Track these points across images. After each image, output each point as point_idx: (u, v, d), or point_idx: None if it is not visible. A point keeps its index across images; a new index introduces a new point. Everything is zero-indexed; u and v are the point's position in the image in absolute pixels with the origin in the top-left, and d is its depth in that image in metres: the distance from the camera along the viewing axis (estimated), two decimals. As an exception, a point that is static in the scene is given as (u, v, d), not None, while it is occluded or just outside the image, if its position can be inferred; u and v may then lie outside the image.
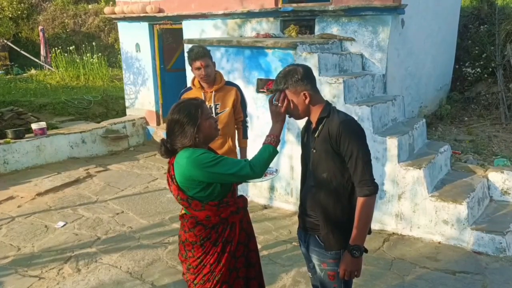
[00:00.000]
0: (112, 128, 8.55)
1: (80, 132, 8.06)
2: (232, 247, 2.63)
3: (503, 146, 6.31)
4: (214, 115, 3.97)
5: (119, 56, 13.28)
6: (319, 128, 2.55)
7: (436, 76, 7.51)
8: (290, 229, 5.22)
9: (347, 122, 2.51)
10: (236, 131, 4.38)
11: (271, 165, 2.78)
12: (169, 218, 5.58)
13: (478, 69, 8.02)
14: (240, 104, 4.28)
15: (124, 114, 9.61)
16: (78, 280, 4.27)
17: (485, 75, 7.99)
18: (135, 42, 8.91)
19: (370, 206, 2.47)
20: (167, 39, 8.88)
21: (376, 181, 2.51)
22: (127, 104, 9.51)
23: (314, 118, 2.59)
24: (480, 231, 4.64)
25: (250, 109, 5.83)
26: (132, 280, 4.26)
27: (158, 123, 9.02)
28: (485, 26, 8.25)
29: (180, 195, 2.56)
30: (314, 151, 2.58)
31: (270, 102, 2.62)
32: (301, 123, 5.34)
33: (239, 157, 4.42)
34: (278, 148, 5.31)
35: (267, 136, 2.58)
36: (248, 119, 4.48)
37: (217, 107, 4.13)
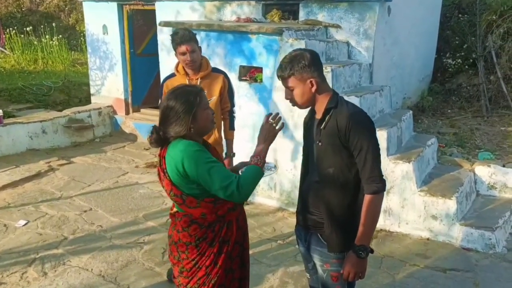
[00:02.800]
0: (76, 117, 7.96)
1: (40, 121, 7.45)
2: (229, 247, 2.46)
3: (486, 139, 6.31)
4: None
5: (81, 38, 12.63)
6: (326, 120, 2.38)
7: (418, 66, 7.46)
8: (274, 227, 5.00)
9: (357, 114, 2.39)
10: (222, 122, 4.08)
11: (268, 159, 2.59)
12: (143, 216, 5.21)
13: (459, 60, 8.01)
14: (227, 93, 3.98)
15: (88, 101, 9.03)
16: (45, 285, 3.92)
17: (466, 66, 8.02)
18: (102, 24, 8.29)
19: (378, 204, 2.36)
20: (138, 21, 8.33)
21: None
22: (92, 91, 8.91)
23: (320, 108, 2.43)
24: (469, 227, 4.57)
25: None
26: (106, 283, 3.95)
27: (127, 112, 8.49)
28: (466, 16, 8.22)
29: (173, 191, 2.37)
30: (320, 143, 2.42)
31: (266, 119, 2.46)
32: (287, 114, 5.11)
33: (225, 149, 4.14)
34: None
35: (254, 156, 2.41)
36: (235, 108, 4.16)
37: None
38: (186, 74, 3.81)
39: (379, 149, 2.36)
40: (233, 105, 4.09)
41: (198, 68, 3.80)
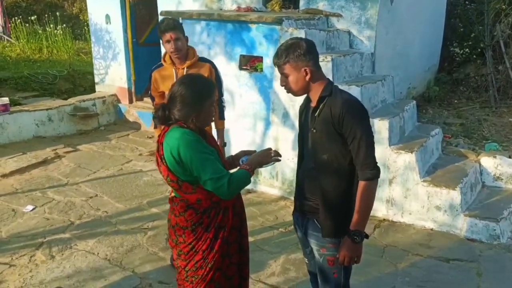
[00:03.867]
0: (81, 105, 8.03)
1: (46, 110, 7.53)
2: (225, 233, 2.51)
3: (493, 130, 6.21)
4: None
5: (84, 28, 12.62)
6: (320, 107, 2.43)
7: (424, 56, 7.34)
8: (276, 215, 5.05)
9: (351, 102, 2.43)
10: None
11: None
12: (147, 203, 5.29)
13: (467, 50, 7.78)
14: (215, 82, 3.82)
15: (93, 90, 9.06)
16: (52, 268, 4.01)
17: (474, 56, 7.78)
18: (105, 13, 8.31)
19: (372, 190, 2.41)
20: (140, 11, 8.31)
21: None
22: (96, 80, 8.95)
23: (315, 96, 2.47)
24: (474, 218, 4.54)
25: (232, 86, 5.56)
26: (111, 267, 4.04)
27: (131, 101, 8.52)
28: (474, 4, 8.01)
29: (170, 176, 2.42)
30: (314, 131, 2.47)
31: (269, 149, 2.64)
32: (288, 103, 5.12)
33: (216, 138, 3.97)
34: (262, 129, 5.05)
35: (247, 164, 2.53)
36: (224, 98, 4.09)
37: None
38: (173, 63, 3.78)
39: (372, 136, 2.40)
40: (221, 94, 4.03)
41: (185, 57, 3.76)
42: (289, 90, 2.51)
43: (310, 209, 2.59)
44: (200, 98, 2.40)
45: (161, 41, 3.77)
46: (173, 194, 2.60)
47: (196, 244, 2.49)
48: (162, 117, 2.45)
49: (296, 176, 2.75)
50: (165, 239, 4.49)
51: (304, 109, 2.64)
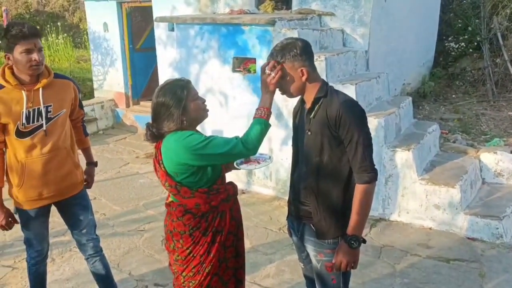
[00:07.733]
0: (81, 111, 8.14)
1: (48, 117, 7.63)
2: (222, 237, 2.49)
3: (492, 124, 6.06)
4: (45, 122, 2.91)
5: (84, 36, 12.80)
6: (315, 109, 2.34)
7: (418, 51, 7.27)
8: (270, 215, 5.02)
9: (348, 103, 2.32)
10: (75, 132, 3.25)
11: (264, 151, 2.59)
12: (143, 205, 5.34)
13: (463, 44, 7.68)
14: (78, 101, 3.20)
15: (92, 96, 9.22)
16: (52, 270, 4.01)
17: (470, 50, 7.66)
18: (102, 22, 8.47)
19: (370, 194, 2.32)
20: (136, 18, 8.48)
21: None
22: (95, 85, 9.10)
23: (310, 97, 2.38)
24: (475, 216, 4.41)
25: (225, 89, 5.57)
26: None
27: (128, 105, 8.66)
28: (469, -2, 7.94)
29: (168, 182, 2.42)
30: (309, 133, 2.38)
31: (262, 70, 2.38)
32: (281, 103, 5.09)
33: (84, 165, 3.46)
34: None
35: (257, 109, 2.39)
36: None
37: (49, 109, 2.93)
38: (20, 84, 2.83)
39: (370, 139, 2.32)
40: (84, 111, 3.37)
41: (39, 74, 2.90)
42: (284, 91, 2.41)
43: (306, 214, 2.50)
44: (179, 98, 2.37)
45: (9, 54, 2.79)
46: (170, 199, 2.57)
47: (194, 249, 2.46)
48: (153, 136, 2.45)
49: (291, 180, 2.65)
50: (161, 241, 4.48)
51: (298, 111, 2.54)
